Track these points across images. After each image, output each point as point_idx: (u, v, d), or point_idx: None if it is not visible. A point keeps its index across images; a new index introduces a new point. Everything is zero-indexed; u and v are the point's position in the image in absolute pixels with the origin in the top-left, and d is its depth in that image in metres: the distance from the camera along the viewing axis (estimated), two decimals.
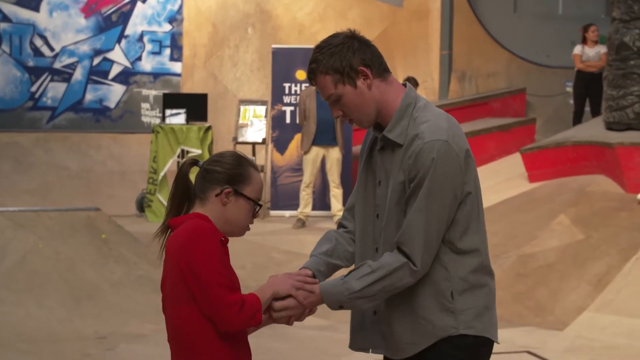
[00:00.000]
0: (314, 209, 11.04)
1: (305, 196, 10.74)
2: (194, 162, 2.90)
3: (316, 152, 10.64)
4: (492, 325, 2.90)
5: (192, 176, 2.91)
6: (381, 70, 2.84)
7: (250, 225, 2.92)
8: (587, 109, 12.41)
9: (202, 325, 2.73)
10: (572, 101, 12.98)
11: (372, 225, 2.94)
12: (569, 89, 13.99)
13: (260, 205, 2.90)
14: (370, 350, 3.00)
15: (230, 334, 2.74)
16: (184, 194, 2.88)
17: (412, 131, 2.79)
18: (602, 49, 11.78)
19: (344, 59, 2.78)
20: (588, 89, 12.19)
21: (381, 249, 2.89)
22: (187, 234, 2.76)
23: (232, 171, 2.83)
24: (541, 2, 14.95)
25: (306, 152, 10.65)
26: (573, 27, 14.59)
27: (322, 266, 2.98)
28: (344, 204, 10.83)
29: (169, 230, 2.87)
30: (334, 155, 10.64)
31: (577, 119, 12.30)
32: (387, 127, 2.84)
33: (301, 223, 10.64)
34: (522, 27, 14.69)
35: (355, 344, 3.04)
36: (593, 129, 10.47)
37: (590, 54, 12.10)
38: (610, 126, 9.90)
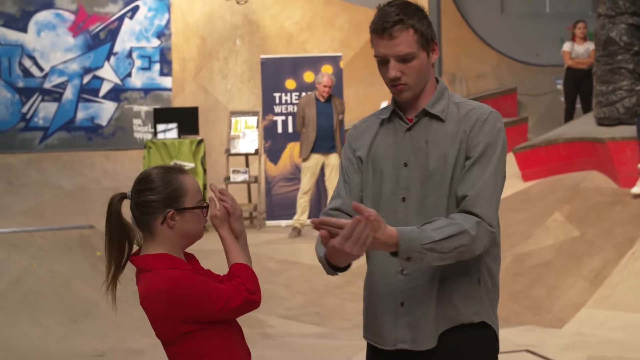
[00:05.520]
0: (309, 217, 10.96)
1: (303, 203, 10.65)
2: (123, 196, 2.79)
3: (316, 159, 10.56)
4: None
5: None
6: None
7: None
8: (579, 105, 12.41)
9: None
10: (562, 99, 12.98)
11: (394, 212, 2.81)
12: (560, 87, 14.02)
13: (206, 206, 2.79)
14: (397, 345, 2.81)
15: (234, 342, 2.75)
16: (122, 234, 2.76)
17: (461, 109, 2.84)
18: (591, 46, 11.77)
19: (430, 27, 2.84)
20: (578, 86, 12.18)
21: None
22: (168, 296, 2.65)
23: (165, 193, 2.71)
24: (528, 1, 14.99)
25: (305, 160, 10.59)
26: (561, 25, 14.66)
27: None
28: None
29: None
30: (334, 161, 10.52)
31: (569, 116, 12.29)
32: (427, 103, 2.86)
33: (297, 232, 10.56)
34: (510, 27, 14.72)
35: (382, 341, 2.87)
36: (584, 126, 10.47)
37: (580, 50, 12.10)
38: (601, 122, 9.90)
